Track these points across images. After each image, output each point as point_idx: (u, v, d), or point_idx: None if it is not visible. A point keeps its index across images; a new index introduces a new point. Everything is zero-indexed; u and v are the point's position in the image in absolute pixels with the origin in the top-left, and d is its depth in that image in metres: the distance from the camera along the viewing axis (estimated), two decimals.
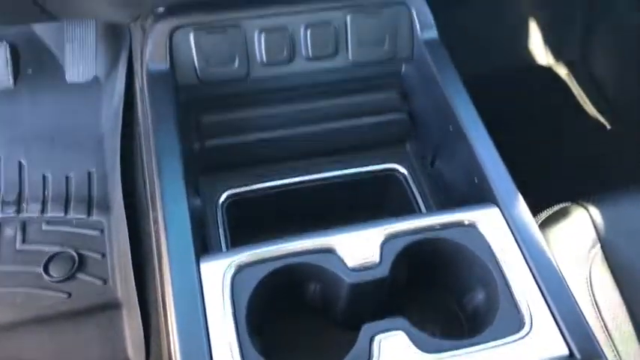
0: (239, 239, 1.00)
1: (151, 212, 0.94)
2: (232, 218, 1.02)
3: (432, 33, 1.06)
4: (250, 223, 1.02)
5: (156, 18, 0.98)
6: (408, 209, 1.05)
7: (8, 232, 1.50)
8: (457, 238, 0.83)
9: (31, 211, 1.55)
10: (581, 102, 1.95)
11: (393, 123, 1.09)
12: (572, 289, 0.79)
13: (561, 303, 0.77)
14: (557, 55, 2.01)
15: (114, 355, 1.35)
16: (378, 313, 0.79)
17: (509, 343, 0.74)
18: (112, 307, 1.40)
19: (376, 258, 0.80)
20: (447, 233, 0.83)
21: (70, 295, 1.41)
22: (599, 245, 1.08)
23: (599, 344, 0.74)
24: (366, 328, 0.75)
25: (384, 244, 0.81)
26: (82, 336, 1.36)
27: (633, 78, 1.83)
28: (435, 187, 1.05)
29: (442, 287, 0.91)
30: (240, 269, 0.78)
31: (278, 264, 0.79)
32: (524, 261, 0.81)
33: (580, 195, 1.13)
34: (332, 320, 0.88)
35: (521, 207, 0.87)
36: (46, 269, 1.44)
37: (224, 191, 1.04)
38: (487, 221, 0.84)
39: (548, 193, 1.16)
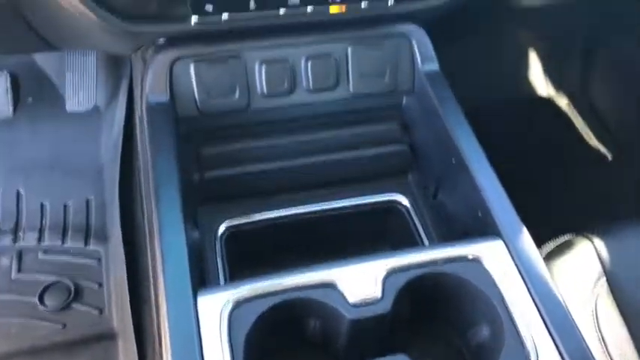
0: (238, 271, 0.98)
1: (148, 243, 0.93)
2: (231, 250, 1.01)
3: (433, 65, 1.06)
4: (249, 254, 1.00)
5: (156, 49, 0.98)
6: (410, 241, 1.03)
7: (4, 261, 1.48)
8: (461, 273, 0.81)
9: (28, 239, 1.53)
10: (583, 133, 1.95)
11: (394, 154, 1.09)
12: (578, 325, 0.77)
13: (567, 339, 0.76)
14: (558, 86, 2.01)
15: None
16: (379, 348, 0.77)
17: None
18: (107, 337, 1.38)
19: (378, 293, 0.78)
20: (450, 268, 0.82)
21: (65, 325, 1.38)
22: (604, 279, 1.07)
23: None
24: None
25: (385, 279, 0.79)
26: None
27: (634, 109, 1.83)
28: (437, 219, 1.04)
29: (445, 322, 0.89)
30: (239, 304, 0.76)
31: (277, 299, 0.78)
32: (529, 296, 0.80)
33: (584, 227, 1.12)
34: (333, 356, 0.86)
35: (526, 240, 0.85)
36: (41, 299, 1.42)
37: (223, 222, 1.03)
38: (491, 255, 0.83)
39: (552, 225, 1.14)
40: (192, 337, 0.73)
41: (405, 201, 1.07)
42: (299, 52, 1.02)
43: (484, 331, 0.83)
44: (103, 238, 1.53)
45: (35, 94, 1.66)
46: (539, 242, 1.03)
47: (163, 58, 0.97)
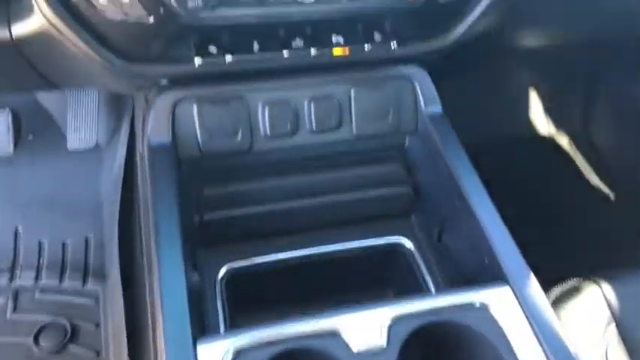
0: (238, 316, 0.96)
1: (147, 287, 0.91)
2: (231, 293, 0.99)
3: (436, 107, 1.06)
4: (250, 298, 0.98)
5: (159, 90, 0.98)
6: (414, 286, 1.01)
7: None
8: (468, 321, 0.79)
9: (25, 278, 1.51)
10: (584, 172, 1.94)
11: (398, 196, 1.07)
12: None
13: None
14: (559, 125, 2.02)
15: None
16: None
17: None
18: None
19: (383, 342, 0.76)
20: (457, 316, 0.80)
21: None
22: (614, 324, 1.04)
23: None
24: None
25: (391, 327, 0.77)
26: None
27: (634, 149, 1.83)
28: (442, 262, 1.02)
29: None
30: (239, 354, 0.74)
31: (279, 348, 0.75)
32: (538, 344, 0.78)
33: (588, 269, 1.10)
34: None
35: (533, 286, 0.84)
36: (36, 340, 1.39)
37: (223, 265, 1.01)
38: (499, 302, 0.81)
39: (556, 267, 1.12)
40: None
41: (408, 244, 1.05)
42: (302, 93, 1.02)
43: None
44: (102, 277, 1.51)
45: (36, 131, 1.65)
46: (545, 286, 1.01)
47: (166, 100, 0.96)
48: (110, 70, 0.93)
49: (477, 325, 0.79)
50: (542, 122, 2.02)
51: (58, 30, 0.87)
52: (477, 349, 0.80)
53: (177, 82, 0.98)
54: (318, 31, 0.94)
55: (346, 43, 0.97)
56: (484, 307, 0.81)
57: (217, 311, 0.95)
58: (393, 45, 0.99)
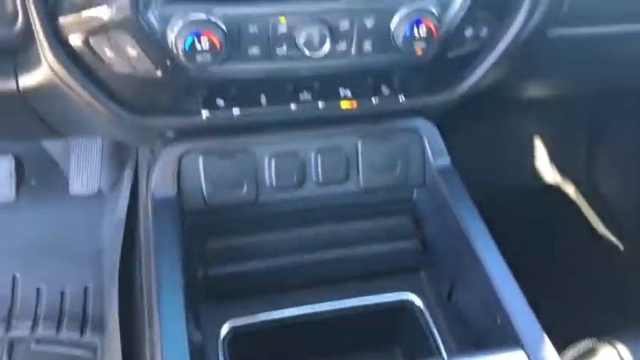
0: None
1: (147, 342, 0.88)
2: (234, 352, 0.95)
3: (445, 160, 1.05)
4: (253, 356, 0.95)
5: (165, 142, 0.97)
6: (424, 346, 0.98)
7: None
8: None
9: (21, 328, 1.47)
10: (591, 221, 1.92)
11: (406, 251, 1.05)
12: None
13: None
14: (563, 173, 2.00)
15: None
16: None
17: None
18: None
19: None
20: None
21: None
22: None
23: None
24: None
25: None
26: None
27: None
28: (452, 321, 0.99)
29: None
30: None
31: None
32: None
33: (603, 330, 1.07)
34: None
35: (548, 349, 0.81)
36: None
37: (226, 321, 0.98)
38: None
39: (568, 325, 1.09)
40: None
41: (417, 301, 1.03)
42: (309, 145, 1.01)
43: None
44: (100, 327, 1.47)
45: (39, 176, 1.65)
46: (559, 347, 0.98)
47: (172, 153, 0.95)
48: (116, 122, 0.92)
49: None
50: (546, 171, 2.01)
51: (64, 82, 0.86)
52: None
53: (183, 134, 0.97)
54: (326, 84, 0.94)
55: (354, 97, 0.96)
56: None
57: None
58: (401, 98, 0.98)
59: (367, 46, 0.87)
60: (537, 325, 0.83)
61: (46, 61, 0.84)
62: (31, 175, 1.64)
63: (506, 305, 0.84)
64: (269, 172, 0.99)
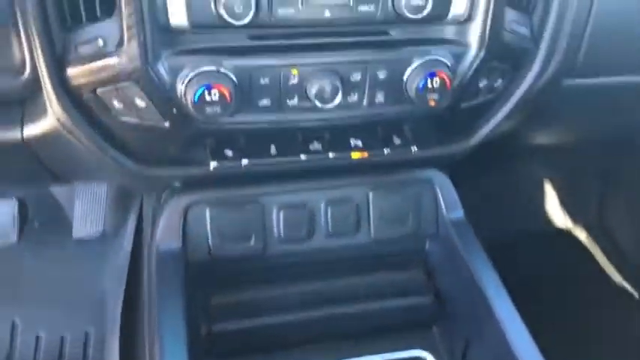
0: None
1: None
2: None
3: (458, 212, 1.02)
4: None
5: (171, 192, 0.95)
6: None
7: None
8: None
9: None
10: (604, 267, 1.87)
11: (419, 305, 1.02)
12: None
13: None
14: (575, 218, 1.97)
15: None
16: None
17: None
18: None
19: None
20: None
21: None
22: None
23: None
24: None
25: None
26: None
27: None
28: None
29: None
30: None
31: None
32: None
33: None
34: None
35: None
36: None
37: None
38: None
39: None
40: None
41: (430, 358, 0.99)
42: (318, 196, 0.98)
43: None
44: None
45: (42, 218, 1.62)
46: None
47: (178, 204, 0.93)
48: (122, 171, 0.90)
49: None
50: (557, 215, 1.98)
51: (70, 132, 0.85)
52: None
53: (190, 183, 0.95)
54: (336, 135, 0.92)
55: (365, 147, 0.94)
56: None
57: None
58: (413, 149, 0.96)
59: (379, 97, 0.86)
60: None
61: (53, 111, 0.82)
62: (34, 218, 1.61)
63: None
64: (277, 223, 0.97)
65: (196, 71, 0.76)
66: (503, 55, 0.89)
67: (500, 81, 0.92)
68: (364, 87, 0.84)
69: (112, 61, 0.76)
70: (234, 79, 0.78)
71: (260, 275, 0.99)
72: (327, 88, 0.80)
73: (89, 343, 1.49)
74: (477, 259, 0.95)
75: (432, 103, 0.85)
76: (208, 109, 0.78)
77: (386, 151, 0.95)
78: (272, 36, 0.80)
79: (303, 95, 0.82)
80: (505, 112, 0.98)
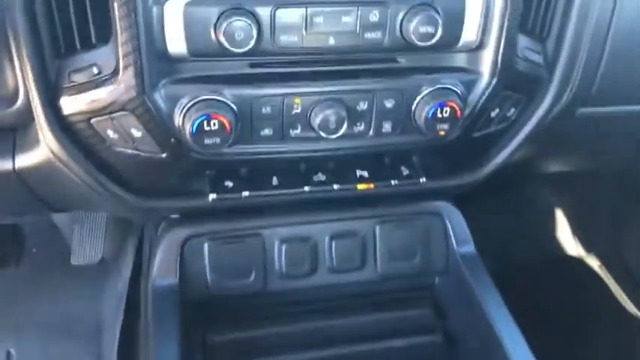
0: None
1: None
2: None
3: (469, 246, 0.98)
4: None
5: (169, 224, 0.91)
6: None
7: None
8: None
9: None
10: (617, 296, 1.82)
11: (428, 346, 0.97)
12: None
13: None
14: (588, 246, 1.92)
15: None
16: None
17: None
18: None
19: None
20: None
21: None
22: None
23: None
24: None
25: None
26: None
27: None
28: None
29: None
30: None
31: None
32: None
33: None
34: None
35: None
36: None
37: None
38: None
39: None
40: None
41: None
42: (322, 229, 0.94)
43: None
44: None
45: (40, 245, 1.59)
46: None
47: (175, 237, 0.89)
48: (118, 203, 0.87)
49: None
50: (570, 243, 1.93)
51: (63, 163, 0.81)
52: None
53: (188, 215, 0.91)
54: (341, 165, 0.88)
55: (371, 178, 0.90)
56: None
57: None
58: (422, 180, 0.92)
59: (386, 127, 0.82)
60: None
61: (45, 141, 0.79)
62: (32, 244, 1.58)
63: None
64: (279, 258, 0.93)
65: (195, 100, 0.73)
66: (516, 84, 0.85)
67: (512, 110, 0.88)
68: (371, 116, 0.80)
69: (106, 90, 0.73)
70: (235, 108, 0.74)
71: (260, 312, 0.95)
72: (332, 118, 0.77)
73: None
74: (489, 296, 0.90)
75: (442, 133, 0.81)
76: (207, 140, 0.74)
77: (393, 182, 0.91)
78: (274, 64, 0.76)
79: (307, 125, 0.78)
80: (517, 142, 0.94)
